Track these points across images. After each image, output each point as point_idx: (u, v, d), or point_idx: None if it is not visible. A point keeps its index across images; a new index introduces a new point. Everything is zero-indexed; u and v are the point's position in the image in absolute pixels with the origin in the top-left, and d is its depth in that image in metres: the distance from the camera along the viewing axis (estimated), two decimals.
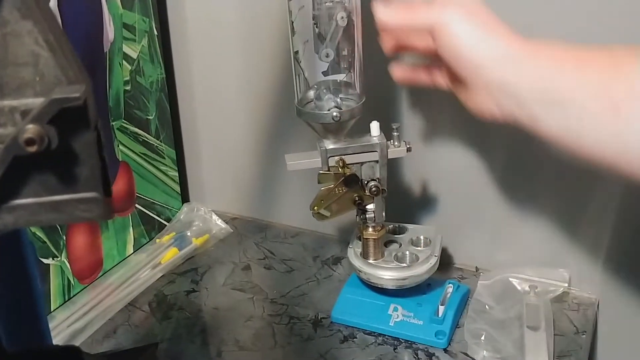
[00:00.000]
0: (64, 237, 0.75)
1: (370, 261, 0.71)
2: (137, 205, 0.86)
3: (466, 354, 0.66)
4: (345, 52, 0.61)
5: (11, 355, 0.39)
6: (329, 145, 0.65)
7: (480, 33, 0.50)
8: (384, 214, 0.69)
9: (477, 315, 0.70)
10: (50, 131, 0.27)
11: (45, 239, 0.72)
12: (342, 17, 0.59)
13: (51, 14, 0.28)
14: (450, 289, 0.72)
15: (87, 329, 0.72)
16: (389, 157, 0.66)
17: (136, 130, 0.84)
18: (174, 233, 0.90)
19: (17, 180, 0.28)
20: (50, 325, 0.71)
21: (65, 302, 0.76)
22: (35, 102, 0.28)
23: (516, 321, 0.69)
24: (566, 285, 0.74)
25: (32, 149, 0.27)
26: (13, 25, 0.27)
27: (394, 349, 0.68)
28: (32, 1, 0.27)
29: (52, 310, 0.75)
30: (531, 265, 0.76)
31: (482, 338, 0.67)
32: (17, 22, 0.27)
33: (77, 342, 0.70)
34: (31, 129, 0.27)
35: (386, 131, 0.67)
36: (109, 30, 0.76)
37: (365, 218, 0.69)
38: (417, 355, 0.67)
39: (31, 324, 0.39)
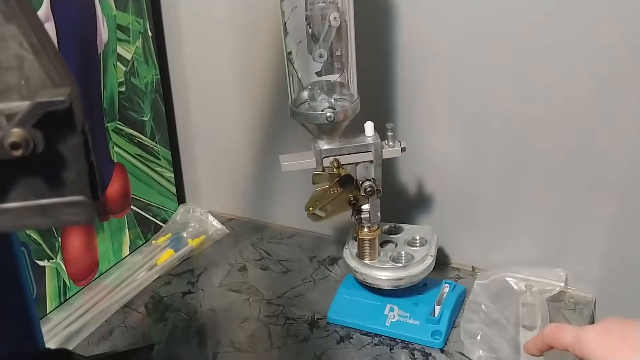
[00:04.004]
0: (60, 239, 0.75)
1: (366, 261, 0.71)
2: (132, 207, 0.86)
3: (462, 354, 0.66)
4: (338, 53, 0.61)
5: (2, 359, 0.39)
6: (324, 145, 0.65)
7: None
8: (379, 214, 0.69)
9: (473, 315, 0.70)
10: (35, 135, 0.27)
11: (41, 241, 0.72)
12: (335, 18, 0.59)
13: (35, 17, 0.28)
14: (446, 288, 0.72)
15: (83, 331, 0.72)
16: (383, 157, 0.66)
17: (131, 131, 0.84)
18: (170, 234, 0.90)
19: (3, 184, 0.28)
20: (46, 328, 0.71)
21: (61, 304, 0.76)
22: (20, 105, 0.28)
23: (512, 321, 0.69)
24: (562, 284, 0.74)
25: (18, 152, 0.27)
26: None
27: (390, 349, 0.68)
28: (15, 4, 0.26)
29: (48, 312, 0.74)
30: (527, 264, 0.76)
31: (478, 338, 0.67)
32: (1, 25, 0.27)
33: (73, 344, 0.70)
34: (16, 133, 0.27)
35: (380, 131, 0.66)
36: (103, 32, 0.76)
37: (361, 218, 0.69)
38: (413, 356, 0.67)
39: (22, 328, 0.39)
